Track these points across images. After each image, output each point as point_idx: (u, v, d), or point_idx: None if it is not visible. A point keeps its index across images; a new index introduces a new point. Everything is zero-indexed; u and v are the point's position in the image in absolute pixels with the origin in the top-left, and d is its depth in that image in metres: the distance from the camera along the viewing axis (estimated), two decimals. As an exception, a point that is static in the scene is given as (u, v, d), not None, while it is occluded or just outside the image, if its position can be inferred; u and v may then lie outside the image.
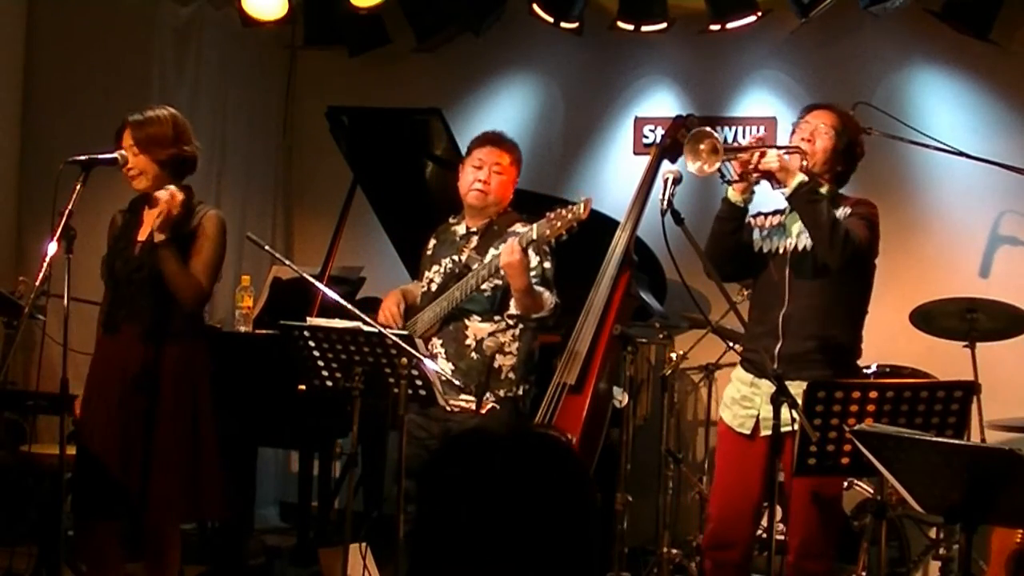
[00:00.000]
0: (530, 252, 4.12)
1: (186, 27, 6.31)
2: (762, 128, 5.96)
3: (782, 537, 3.99)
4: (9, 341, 4.91)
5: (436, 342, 4.29)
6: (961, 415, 3.33)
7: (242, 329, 5.03)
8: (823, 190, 3.83)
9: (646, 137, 6.25)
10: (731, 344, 4.18)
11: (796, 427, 3.33)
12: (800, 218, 3.81)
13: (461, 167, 4.41)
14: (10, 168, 6.25)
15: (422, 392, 3.90)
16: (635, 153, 6.26)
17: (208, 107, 6.31)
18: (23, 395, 5.18)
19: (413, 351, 3.81)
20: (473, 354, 4.22)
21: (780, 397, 3.36)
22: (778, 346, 3.82)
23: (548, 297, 4.21)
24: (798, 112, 4.05)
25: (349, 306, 4.07)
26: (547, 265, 4.24)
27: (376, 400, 3.93)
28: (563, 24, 5.96)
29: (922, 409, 3.30)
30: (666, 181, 3.64)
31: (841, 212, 3.82)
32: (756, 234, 3.97)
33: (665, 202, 3.60)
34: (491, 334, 4.22)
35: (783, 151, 3.84)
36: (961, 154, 5.19)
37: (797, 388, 3.40)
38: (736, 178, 3.82)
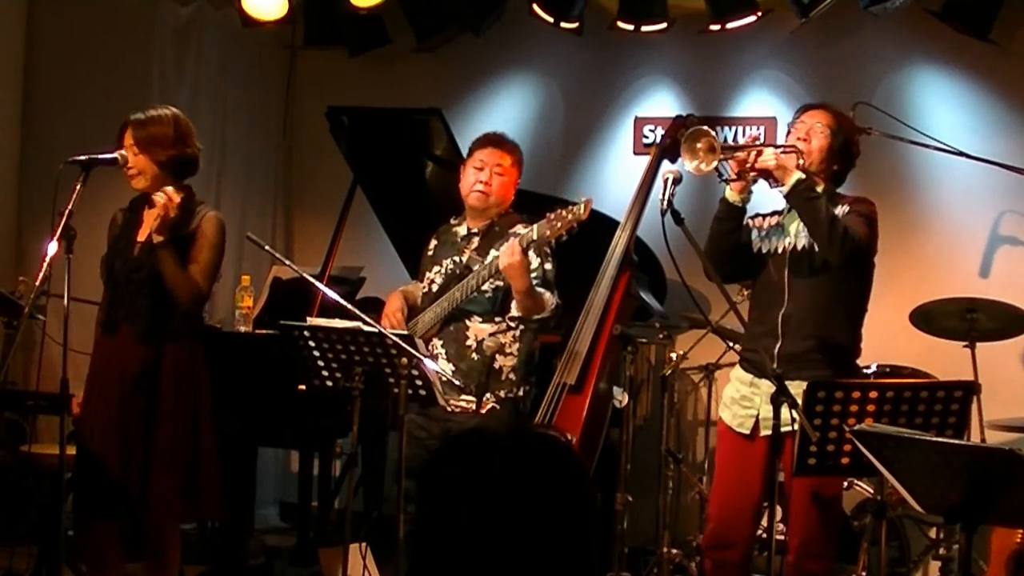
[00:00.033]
0: (531, 253, 4.12)
1: (186, 27, 6.31)
2: (761, 128, 5.96)
3: (782, 537, 3.99)
4: (9, 341, 4.91)
5: (437, 343, 4.29)
6: (961, 415, 3.33)
7: (242, 329, 5.03)
8: (819, 189, 3.84)
9: (646, 137, 6.25)
10: (731, 344, 4.18)
11: (796, 427, 3.33)
12: (799, 216, 3.81)
13: (462, 168, 4.41)
14: (10, 168, 6.25)
15: (422, 392, 3.90)
16: (635, 153, 6.26)
17: (208, 107, 6.30)
18: (23, 395, 5.18)
19: (413, 351, 3.81)
20: (474, 355, 4.22)
21: (780, 397, 3.36)
22: (778, 346, 3.82)
23: (549, 298, 4.21)
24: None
25: (349, 306, 4.07)
26: (548, 266, 4.24)
27: (376, 400, 3.93)
28: (563, 24, 5.96)
29: (922, 409, 3.30)
30: (666, 181, 3.65)
31: (840, 210, 3.82)
32: (754, 235, 3.97)
33: (665, 202, 3.61)
34: (492, 335, 4.22)
35: (779, 150, 3.85)
36: (961, 154, 5.19)
37: (797, 388, 3.41)
38: (734, 177, 3.82)
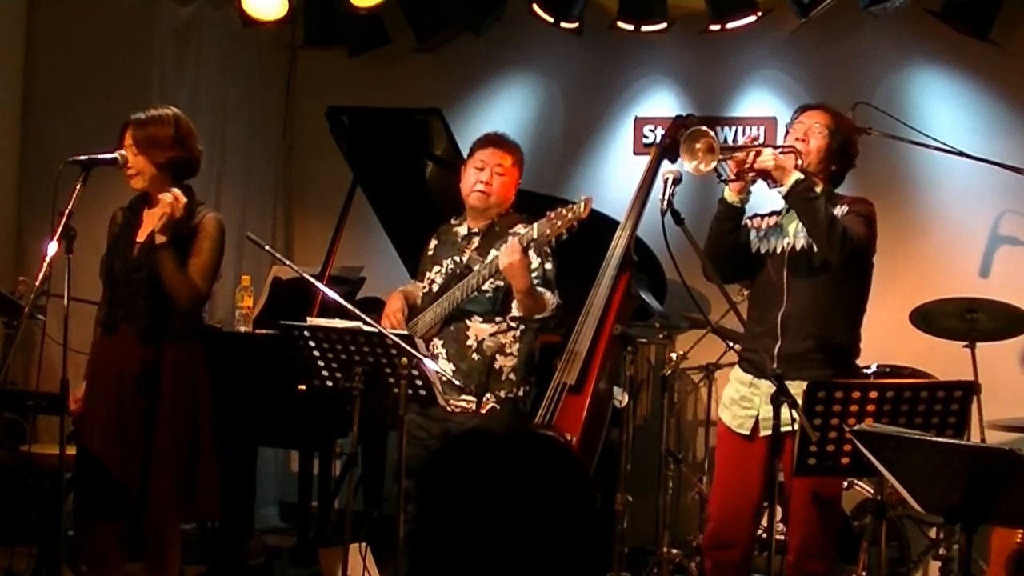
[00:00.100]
0: (531, 253, 4.13)
1: (186, 27, 6.31)
2: (761, 128, 5.96)
3: (782, 537, 3.99)
4: (9, 341, 4.91)
5: (437, 342, 4.29)
6: (961, 415, 3.33)
7: (242, 329, 5.02)
8: (818, 189, 3.84)
9: (646, 137, 6.25)
10: (731, 344, 4.18)
11: (796, 427, 3.33)
12: (798, 216, 3.82)
13: (463, 168, 4.41)
14: (10, 168, 6.25)
15: (422, 392, 3.90)
16: (635, 153, 6.26)
17: (208, 107, 6.30)
18: (23, 395, 5.18)
19: (413, 351, 3.81)
20: (474, 355, 4.22)
21: (780, 397, 3.36)
22: (777, 346, 3.82)
23: (550, 298, 4.21)
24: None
25: (349, 306, 4.07)
26: (548, 266, 4.24)
27: (376, 400, 3.93)
28: (563, 24, 5.95)
29: (922, 409, 3.30)
30: (666, 181, 3.65)
31: (838, 210, 3.82)
32: (753, 235, 3.98)
33: (665, 202, 3.61)
34: (492, 335, 4.22)
35: (778, 150, 3.85)
36: (961, 154, 5.19)
37: (796, 388, 3.41)
38: (732, 177, 3.83)
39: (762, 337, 3.86)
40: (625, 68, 6.36)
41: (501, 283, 4.20)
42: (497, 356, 4.17)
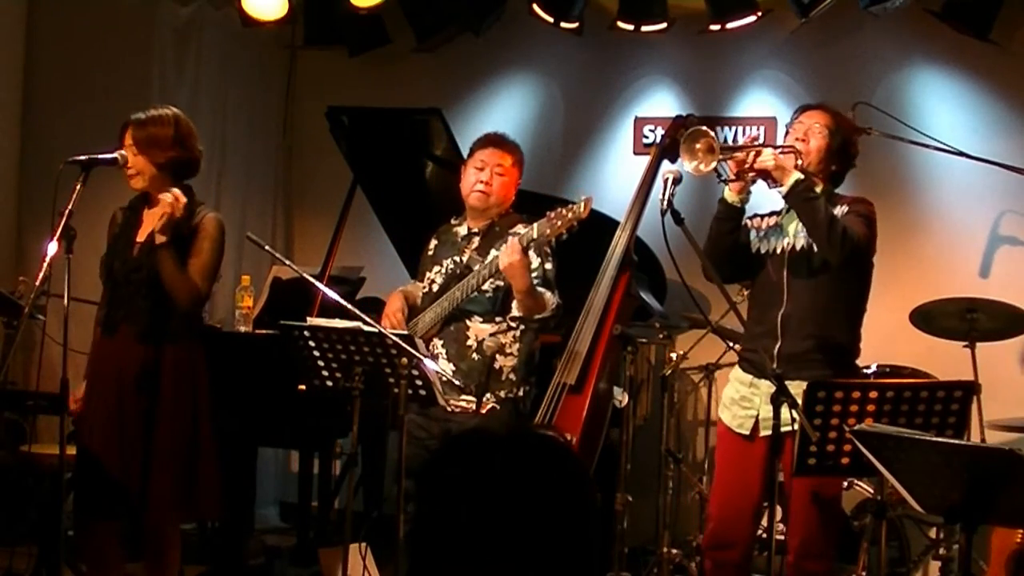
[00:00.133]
0: (531, 253, 4.13)
1: (186, 27, 6.31)
2: (761, 128, 5.96)
3: (782, 537, 3.99)
4: (9, 341, 4.91)
5: (437, 342, 4.29)
6: (961, 415, 3.33)
7: (242, 329, 5.03)
8: (818, 189, 3.84)
9: (646, 137, 6.25)
10: (731, 344, 4.18)
11: (796, 427, 3.33)
12: (798, 216, 3.82)
13: (463, 168, 4.42)
14: (10, 168, 6.24)
15: (422, 392, 3.90)
16: (635, 153, 6.27)
17: (208, 107, 6.30)
18: (23, 395, 5.18)
19: (413, 351, 3.81)
20: (474, 355, 4.22)
21: (780, 397, 3.36)
22: (777, 346, 3.82)
23: (550, 298, 4.21)
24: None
25: (349, 306, 4.07)
26: (548, 266, 4.24)
27: (376, 400, 3.93)
28: (563, 24, 5.95)
29: (922, 409, 3.30)
30: (666, 181, 3.65)
31: (838, 210, 3.82)
32: (752, 235, 3.98)
33: (665, 202, 3.62)
34: (492, 335, 4.22)
35: (778, 150, 3.85)
36: (961, 154, 5.19)
37: (796, 388, 3.41)
38: (732, 177, 3.83)
39: (762, 337, 3.86)
40: (625, 68, 6.36)
41: (501, 283, 4.20)
42: (497, 356, 4.17)
